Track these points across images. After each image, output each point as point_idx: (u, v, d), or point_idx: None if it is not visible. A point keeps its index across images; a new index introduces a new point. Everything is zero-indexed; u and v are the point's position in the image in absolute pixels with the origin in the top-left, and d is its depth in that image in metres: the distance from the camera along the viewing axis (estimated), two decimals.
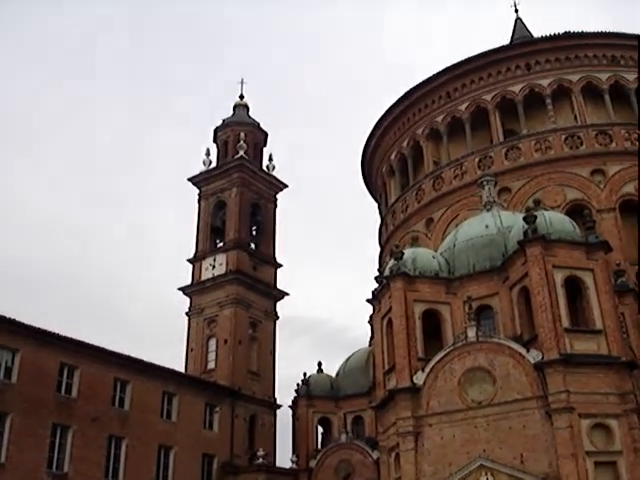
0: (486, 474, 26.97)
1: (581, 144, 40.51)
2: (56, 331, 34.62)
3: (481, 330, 29.51)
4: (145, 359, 38.61)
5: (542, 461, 26.35)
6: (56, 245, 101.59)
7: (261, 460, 40.96)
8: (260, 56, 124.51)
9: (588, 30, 43.25)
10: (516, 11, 54.21)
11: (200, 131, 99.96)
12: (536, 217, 30.08)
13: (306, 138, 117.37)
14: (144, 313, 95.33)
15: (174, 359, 46.86)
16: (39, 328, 33.80)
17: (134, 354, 38.32)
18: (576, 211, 36.72)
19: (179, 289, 49.82)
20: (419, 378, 29.59)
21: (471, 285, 31.99)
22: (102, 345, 36.66)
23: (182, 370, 45.03)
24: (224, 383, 43.96)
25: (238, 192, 50.86)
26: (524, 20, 53.78)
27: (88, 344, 35.87)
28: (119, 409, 36.82)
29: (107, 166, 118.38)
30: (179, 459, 38.72)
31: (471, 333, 29.23)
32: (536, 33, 48.91)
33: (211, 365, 46.10)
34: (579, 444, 25.89)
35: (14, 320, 32.74)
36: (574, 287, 29.07)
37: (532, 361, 27.46)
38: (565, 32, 43.53)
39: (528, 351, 27.79)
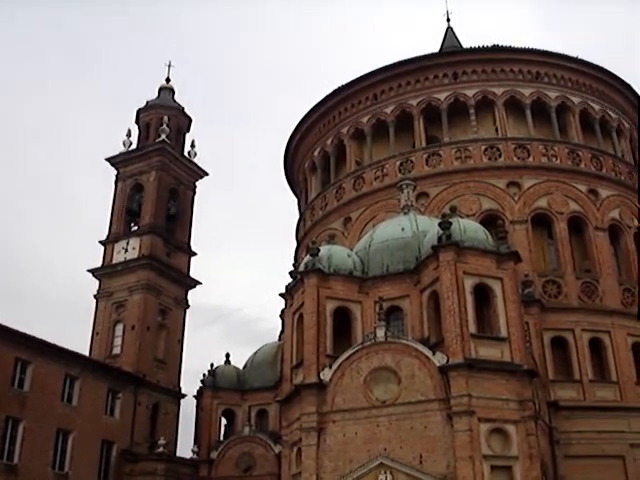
0: (385, 472, 27.26)
1: (500, 156, 41.31)
2: None
3: (390, 331, 29.75)
4: (49, 340, 37.67)
5: (440, 462, 26.75)
6: None
7: (162, 449, 40.55)
8: (192, 43, 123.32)
9: (515, 45, 44.23)
10: (448, 20, 55.35)
11: (124, 111, 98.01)
12: (451, 223, 30.53)
13: (233, 129, 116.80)
14: (59, 293, 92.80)
15: (86, 342, 45.84)
16: None
17: (43, 335, 37.49)
18: (490, 221, 37.39)
19: (88, 271, 48.77)
20: (326, 375, 29.65)
21: (383, 286, 32.21)
22: (3, 322, 35.54)
23: (87, 354, 44.09)
24: (128, 369, 43.27)
25: (157, 176, 50.12)
26: (455, 30, 54.81)
27: None
28: (18, 390, 35.80)
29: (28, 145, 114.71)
30: (78, 444, 37.92)
31: (380, 333, 29.45)
32: (466, 44, 49.80)
33: (116, 350, 45.35)
34: (477, 447, 26.37)
35: None
36: (483, 294, 29.65)
37: (437, 364, 27.85)
38: (492, 45, 44.45)
39: (434, 354, 28.19)
